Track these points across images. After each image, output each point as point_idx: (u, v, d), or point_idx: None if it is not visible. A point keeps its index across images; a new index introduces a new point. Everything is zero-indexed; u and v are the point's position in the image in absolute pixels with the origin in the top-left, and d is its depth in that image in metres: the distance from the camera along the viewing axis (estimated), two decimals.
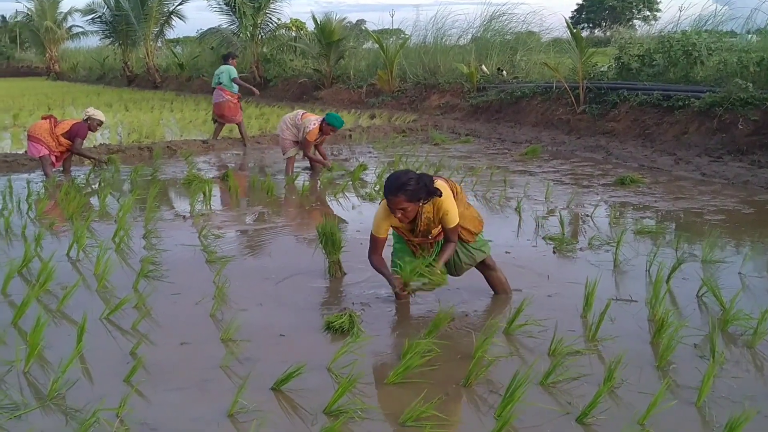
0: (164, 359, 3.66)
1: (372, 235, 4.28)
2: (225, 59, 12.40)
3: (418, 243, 4.40)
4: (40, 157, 8.92)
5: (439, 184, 4.14)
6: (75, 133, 9.01)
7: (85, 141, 9.35)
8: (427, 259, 4.25)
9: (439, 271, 4.23)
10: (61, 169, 9.32)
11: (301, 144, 8.89)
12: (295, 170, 9.10)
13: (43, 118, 9.25)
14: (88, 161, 9.63)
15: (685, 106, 10.89)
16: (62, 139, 8.98)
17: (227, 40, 23.44)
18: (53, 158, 9.08)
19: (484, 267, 4.60)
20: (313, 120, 8.77)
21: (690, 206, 7.12)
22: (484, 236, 4.55)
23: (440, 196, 4.06)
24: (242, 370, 3.52)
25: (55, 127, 8.99)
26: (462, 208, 4.31)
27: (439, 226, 4.26)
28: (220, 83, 11.89)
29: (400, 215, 4.04)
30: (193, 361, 3.64)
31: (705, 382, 3.16)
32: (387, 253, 4.48)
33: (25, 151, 10.63)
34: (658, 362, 3.56)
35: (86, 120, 9.16)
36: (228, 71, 11.92)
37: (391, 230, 4.39)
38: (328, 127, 8.74)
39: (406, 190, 3.94)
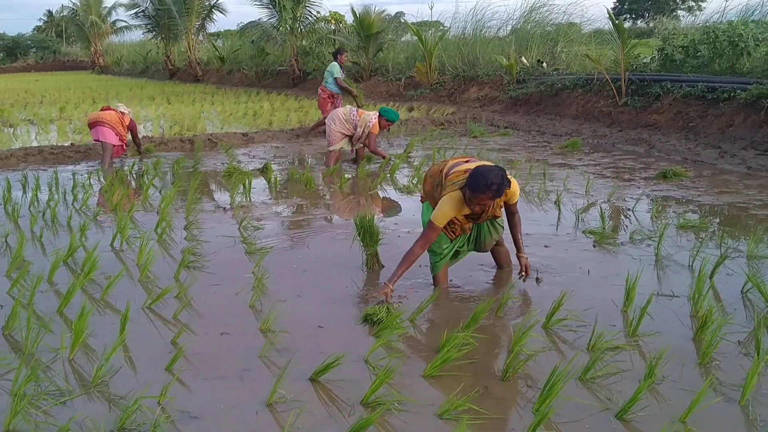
0: (205, 349, 3.72)
1: (432, 224, 4.26)
2: (334, 56, 12.43)
3: (464, 227, 4.47)
4: (110, 144, 9.40)
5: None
6: (135, 125, 9.86)
7: None
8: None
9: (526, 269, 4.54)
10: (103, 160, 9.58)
11: (360, 139, 9.09)
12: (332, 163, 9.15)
13: (104, 109, 9.57)
14: (129, 152, 10.08)
15: (731, 98, 10.64)
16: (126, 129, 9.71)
17: (267, 33, 23.61)
18: (124, 146, 9.76)
19: (497, 243, 4.79)
20: (372, 115, 8.99)
21: (735, 200, 6.96)
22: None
23: (509, 187, 4.19)
24: (281, 360, 3.55)
25: (123, 116, 9.58)
26: None
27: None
28: (324, 78, 12.13)
29: (478, 208, 4.15)
30: (233, 351, 3.69)
31: (749, 380, 3.10)
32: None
33: (71, 143, 10.90)
34: (700, 359, 3.49)
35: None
36: (331, 69, 11.98)
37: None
38: (384, 120, 8.99)
39: (494, 189, 4.03)
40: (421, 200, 4.77)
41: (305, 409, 3.07)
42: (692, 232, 5.82)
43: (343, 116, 9.01)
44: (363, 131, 8.99)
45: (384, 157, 9.28)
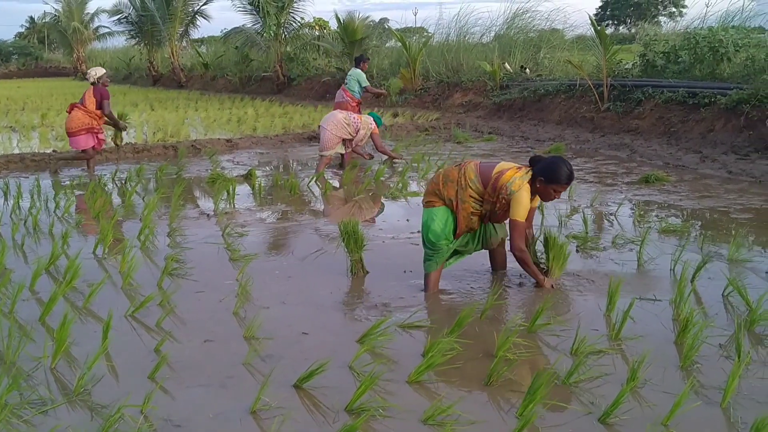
0: (188, 356, 3.70)
1: (520, 224, 4.41)
2: (357, 62, 12.35)
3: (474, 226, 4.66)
4: (90, 150, 9.32)
5: None
6: (102, 97, 9.31)
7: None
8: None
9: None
10: (86, 167, 9.49)
11: (362, 140, 9.42)
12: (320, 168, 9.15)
13: (71, 108, 9.38)
14: (112, 128, 9.84)
15: (712, 104, 10.75)
16: (97, 112, 9.30)
17: (251, 39, 23.60)
18: (102, 137, 9.48)
19: (500, 243, 4.91)
20: (370, 118, 9.38)
21: (716, 205, 7.03)
22: None
23: None
24: (265, 367, 3.54)
25: (85, 107, 9.23)
26: None
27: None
28: (346, 83, 12.04)
29: (556, 195, 4.46)
30: (217, 359, 3.67)
31: (730, 383, 3.12)
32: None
33: (53, 150, 10.85)
34: (682, 362, 3.52)
35: (99, 82, 9.41)
36: (357, 76, 11.90)
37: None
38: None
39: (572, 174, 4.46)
40: (425, 205, 4.70)
41: (289, 416, 3.06)
42: (674, 236, 5.87)
43: (344, 120, 9.06)
44: (366, 133, 9.25)
45: (395, 157, 9.77)
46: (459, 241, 4.67)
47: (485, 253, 4.99)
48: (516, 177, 4.39)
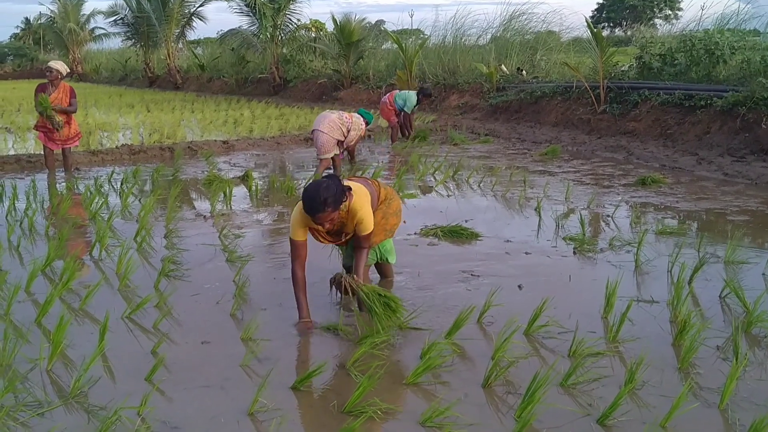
0: (185, 358, 3.69)
1: (290, 239, 4.15)
2: (420, 91, 12.34)
3: (330, 242, 4.37)
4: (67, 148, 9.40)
5: (355, 185, 4.19)
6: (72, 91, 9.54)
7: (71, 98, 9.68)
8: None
9: (362, 283, 4.12)
10: (63, 169, 9.49)
11: (354, 141, 9.24)
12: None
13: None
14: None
15: (708, 106, 10.77)
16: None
17: (247, 41, 23.58)
18: (52, 136, 9.34)
19: (381, 272, 4.87)
20: (360, 118, 9.22)
21: (712, 206, 7.04)
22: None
23: (350, 190, 4.04)
24: (262, 369, 3.53)
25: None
26: (379, 217, 4.38)
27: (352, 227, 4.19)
28: (398, 92, 12.18)
29: (328, 225, 3.99)
30: (214, 360, 3.66)
31: (728, 384, 3.12)
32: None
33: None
34: (680, 364, 3.52)
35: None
36: (409, 99, 11.99)
37: None
38: (365, 122, 9.32)
39: (330, 203, 3.81)
40: None
41: (287, 417, 3.05)
42: (671, 238, 5.87)
43: (337, 120, 8.88)
44: (356, 135, 9.11)
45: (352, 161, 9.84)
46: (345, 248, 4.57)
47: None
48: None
